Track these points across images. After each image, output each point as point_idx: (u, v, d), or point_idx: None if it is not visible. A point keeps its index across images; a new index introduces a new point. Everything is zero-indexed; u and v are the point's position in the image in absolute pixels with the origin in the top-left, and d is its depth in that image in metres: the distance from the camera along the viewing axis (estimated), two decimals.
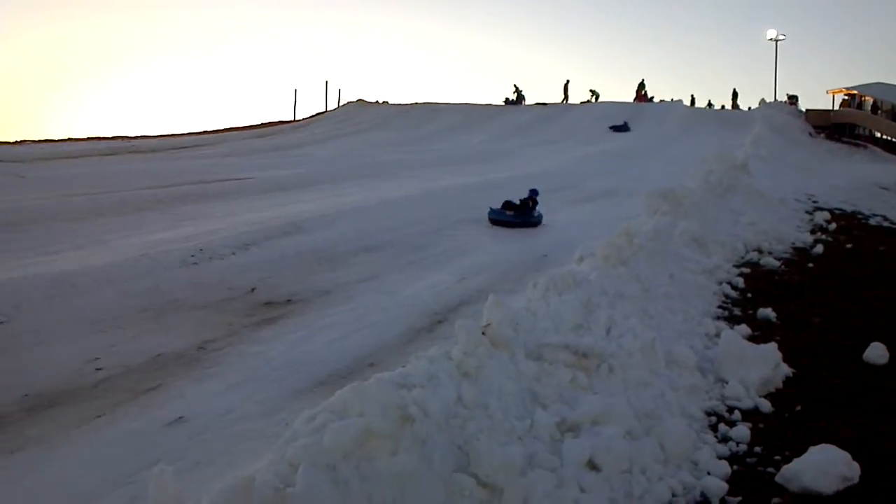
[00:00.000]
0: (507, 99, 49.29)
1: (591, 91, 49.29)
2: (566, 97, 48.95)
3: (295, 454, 3.91)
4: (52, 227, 12.37)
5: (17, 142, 32.10)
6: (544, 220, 15.09)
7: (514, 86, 49.49)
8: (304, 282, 9.96)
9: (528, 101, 49.34)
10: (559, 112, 44.68)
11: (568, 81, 49.90)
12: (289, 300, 9.18)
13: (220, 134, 39.95)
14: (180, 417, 5.86)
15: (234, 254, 10.81)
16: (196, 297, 8.99)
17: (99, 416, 5.90)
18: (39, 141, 32.62)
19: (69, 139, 33.70)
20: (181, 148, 32.17)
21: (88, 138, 34.33)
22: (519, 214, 14.59)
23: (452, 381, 4.92)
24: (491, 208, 14.78)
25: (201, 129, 41.44)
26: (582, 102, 48.21)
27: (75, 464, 5.15)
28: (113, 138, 34.89)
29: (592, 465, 4.65)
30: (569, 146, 32.38)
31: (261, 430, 5.67)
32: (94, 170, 21.55)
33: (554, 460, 4.54)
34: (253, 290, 9.49)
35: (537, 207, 14.97)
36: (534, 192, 15.01)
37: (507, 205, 14.74)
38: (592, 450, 4.68)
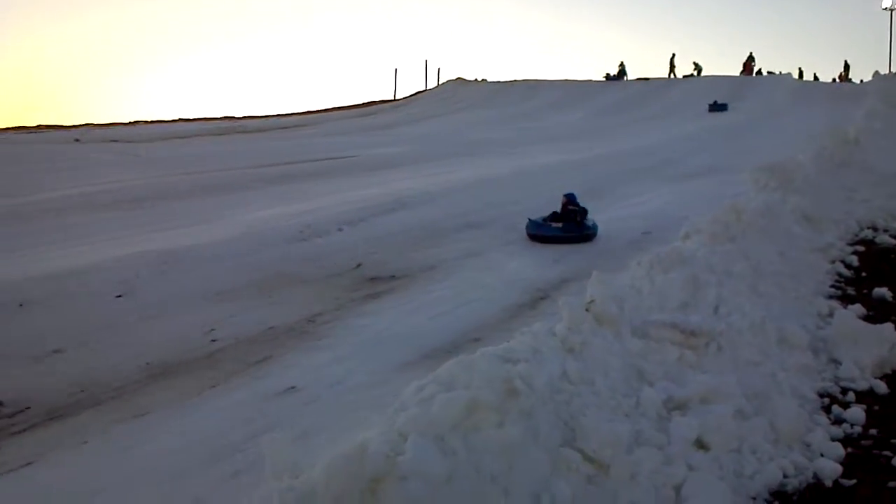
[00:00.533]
0: (608, 75, 48.36)
1: (694, 64, 47.77)
2: (672, 71, 47.62)
3: (404, 424, 4.00)
4: (166, 205, 12.91)
5: (130, 123, 33.37)
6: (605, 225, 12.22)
7: (621, 63, 48.48)
8: (408, 258, 10.12)
9: (631, 76, 48.31)
10: (661, 87, 43.63)
11: (674, 55, 48.54)
12: (393, 276, 9.35)
13: (324, 114, 40.66)
14: (292, 387, 6.08)
15: (340, 230, 11.08)
16: (304, 272, 9.28)
17: (214, 386, 6.18)
18: (151, 122, 33.83)
19: (180, 120, 34.86)
20: (286, 128, 32.93)
21: (198, 119, 35.45)
22: (569, 227, 11.44)
23: (557, 356, 4.94)
24: (530, 220, 11.69)
25: (305, 110, 42.23)
26: (685, 76, 46.84)
27: (193, 430, 5.42)
28: (221, 119, 35.93)
29: (701, 444, 4.60)
30: (671, 121, 31.61)
31: (369, 400, 5.79)
32: (204, 149, 22.31)
33: (661, 438, 4.51)
34: (358, 265, 9.71)
35: (588, 215, 11.78)
36: (571, 198, 11.79)
37: (553, 216, 11.68)
38: (701, 428, 4.63)
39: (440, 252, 10.52)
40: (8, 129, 30.35)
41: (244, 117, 37.18)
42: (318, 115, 40.19)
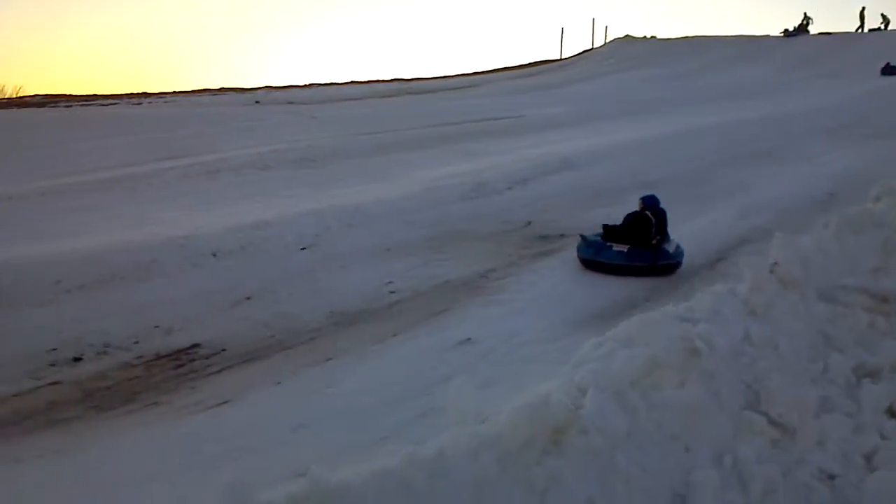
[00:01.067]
0: (786, 30, 45.63)
1: (882, 16, 44.12)
2: (861, 25, 44.27)
3: (583, 378, 4.06)
4: (343, 163, 13.39)
5: (305, 85, 34.54)
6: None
7: (805, 15, 45.53)
8: (576, 217, 10.10)
9: (813, 30, 45.37)
10: (845, 42, 40.72)
11: (864, 8, 44.92)
12: (562, 234, 9.38)
13: (490, 74, 40.69)
14: (468, 339, 6.27)
15: (510, 189, 11.20)
16: (477, 229, 9.49)
17: (395, 335, 6.44)
18: (325, 84, 34.89)
19: (352, 82, 35.75)
20: (454, 89, 33.16)
21: (369, 81, 36.24)
22: (638, 252, 8.00)
23: (738, 318, 4.85)
24: (583, 238, 8.38)
25: (472, 71, 42.41)
26: (871, 30, 43.44)
27: (377, 374, 5.70)
28: (391, 80, 36.60)
29: (893, 413, 4.42)
30: (855, 78, 29.52)
31: (541, 354, 5.95)
32: (376, 111, 22.85)
33: (850, 405, 4.37)
34: (528, 223, 9.82)
35: (667, 231, 8.24)
36: (650, 202, 8.33)
37: (611, 232, 8.24)
38: (894, 397, 4.44)
39: (609, 211, 10.37)
40: (193, 91, 32.08)
41: (413, 79, 37.72)
42: (485, 75, 40.25)
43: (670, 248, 8.09)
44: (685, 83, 31.54)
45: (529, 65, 44.39)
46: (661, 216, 8.16)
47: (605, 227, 8.28)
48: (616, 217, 8.71)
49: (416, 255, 8.47)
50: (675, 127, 17.39)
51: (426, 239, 9.02)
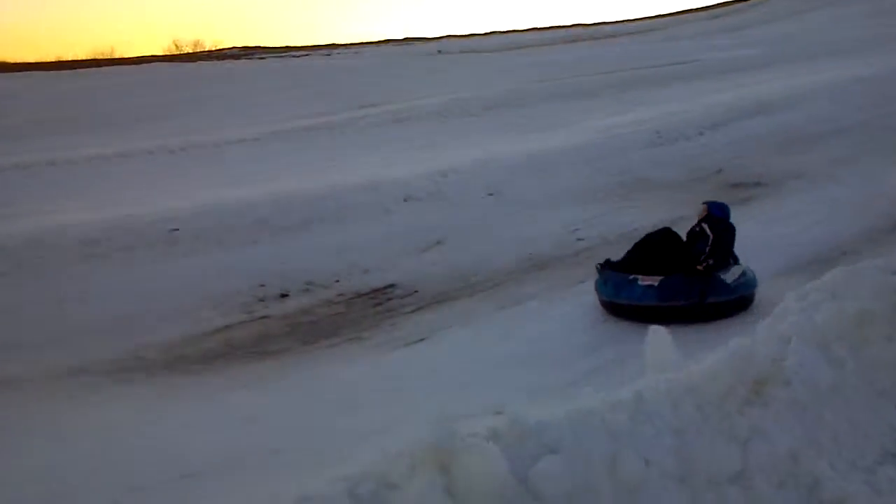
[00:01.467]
0: None
1: None
2: None
3: (786, 330, 3.94)
4: (525, 111, 13.50)
5: (486, 33, 34.77)
6: None
7: None
8: (772, 164, 9.68)
9: None
10: None
11: None
12: (757, 182, 9.03)
13: (672, 17, 39.36)
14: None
15: (700, 134, 10.86)
16: (663, 176, 9.30)
17: (583, 282, 6.41)
18: (505, 32, 34.94)
19: (532, 29, 35.64)
20: (636, 33, 32.36)
21: (549, 27, 35.98)
22: (675, 284, 5.51)
23: None
24: (600, 269, 5.91)
25: (655, 13, 41.19)
26: None
27: (566, 320, 5.74)
28: (571, 26, 36.16)
29: None
30: None
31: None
32: (556, 57, 22.68)
33: None
34: (720, 171, 9.51)
35: (734, 254, 5.96)
36: (717, 211, 6.11)
37: (639, 255, 5.90)
38: None
39: (806, 159, 9.91)
40: (378, 42, 32.95)
41: (594, 24, 37.13)
42: (667, 18, 39.00)
43: (729, 279, 5.65)
44: (891, 20, 29.19)
45: (716, 6, 42.60)
46: (724, 231, 5.93)
47: (609, 262, 5.97)
48: (810, 161, 8.16)
49: (603, 203, 8.42)
50: (879, 68, 16.17)
51: (612, 186, 8.94)
